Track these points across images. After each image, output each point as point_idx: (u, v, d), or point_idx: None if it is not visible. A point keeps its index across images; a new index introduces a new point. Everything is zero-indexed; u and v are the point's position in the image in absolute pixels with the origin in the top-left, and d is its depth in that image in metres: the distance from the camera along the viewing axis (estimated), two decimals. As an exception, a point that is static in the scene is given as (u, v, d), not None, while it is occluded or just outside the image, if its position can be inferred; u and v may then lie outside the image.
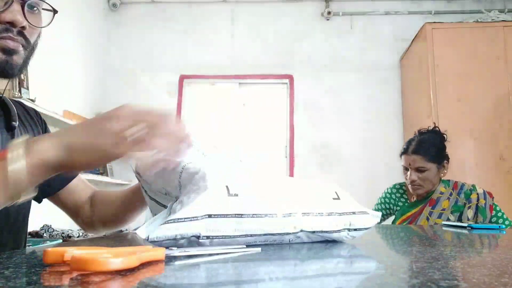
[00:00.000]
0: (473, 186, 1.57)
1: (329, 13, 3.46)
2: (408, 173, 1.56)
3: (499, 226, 0.95)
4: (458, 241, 0.63)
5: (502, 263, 0.40)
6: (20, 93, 2.08)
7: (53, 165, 0.46)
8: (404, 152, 1.62)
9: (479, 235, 0.74)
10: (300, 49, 3.47)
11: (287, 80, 3.46)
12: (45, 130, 0.85)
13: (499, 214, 1.52)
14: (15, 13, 0.60)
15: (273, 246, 0.52)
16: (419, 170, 1.53)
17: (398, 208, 1.65)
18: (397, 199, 1.67)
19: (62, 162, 0.46)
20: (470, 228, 0.93)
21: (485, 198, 1.52)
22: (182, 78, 3.50)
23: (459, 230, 0.87)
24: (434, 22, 2.95)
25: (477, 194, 1.54)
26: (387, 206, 1.69)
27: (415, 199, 1.62)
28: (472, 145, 2.69)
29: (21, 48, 0.63)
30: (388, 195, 1.70)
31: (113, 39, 3.57)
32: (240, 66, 3.47)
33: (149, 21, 3.59)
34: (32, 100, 2.13)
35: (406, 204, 1.63)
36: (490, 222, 1.51)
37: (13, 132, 0.72)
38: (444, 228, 0.93)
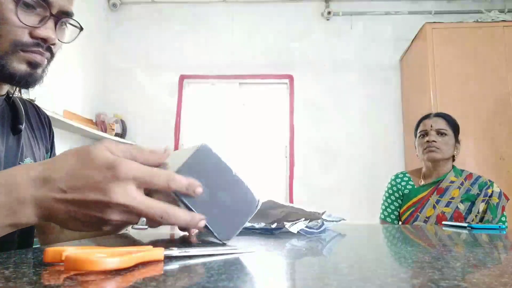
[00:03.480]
0: (491, 182, 1.56)
1: (329, 13, 3.46)
2: (427, 137, 1.58)
3: (499, 226, 0.95)
4: (458, 241, 0.63)
5: (502, 263, 0.40)
6: (20, 93, 2.08)
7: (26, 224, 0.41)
8: (425, 117, 1.65)
9: (479, 235, 0.74)
10: (300, 49, 3.48)
11: (287, 80, 3.46)
12: (51, 139, 0.85)
13: (502, 218, 1.52)
14: (49, 31, 0.61)
15: (273, 247, 0.52)
16: (440, 133, 1.57)
17: (406, 192, 1.64)
18: (403, 187, 1.65)
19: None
20: (470, 228, 0.93)
21: (499, 198, 1.51)
22: (182, 78, 3.50)
23: (459, 230, 0.86)
24: (434, 22, 2.95)
25: (493, 191, 1.53)
26: (399, 194, 1.65)
27: (422, 183, 1.62)
28: (472, 145, 2.69)
29: (46, 62, 0.65)
30: (394, 184, 1.68)
31: (113, 39, 3.57)
32: (240, 66, 3.47)
33: (149, 21, 3.59)
34: (32, 100, 2.13)
35: (413, 188, 1.63)
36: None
37: (19, 135, 0.72)
38: (444, 228, 0.93)
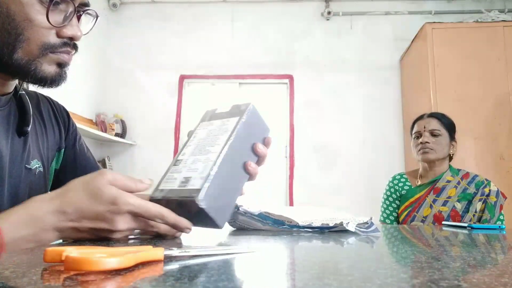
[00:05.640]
0: (488, 181, 1.55)
1: (329, 13, 3.46)
2: (421, 139, 1.59)
3: (499, 226, 0.95)
4: (458, 241, 0.63)
5: (502, 263, 0.40)
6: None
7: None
8: (419, 118, 1.66)
9: (479, 235, 0.74)
10: (300, 49, 3.47)
11: (287, 80, 3.46)
12: (68, 131, 0.81)
13: (500, 216, 1.52)
14: (75, 28, 0.61)
15: (273, 247, 0.52)
16: (433, 134, 1.58)
17: (404, 193, 1.64)
18: (400, 188, 1.66)
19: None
20: (470, 228, 0.93)
21: (497, 196, 1.50)
22: (182, 78, 3.50)
23: (459, 230, 0.86)
24: (434, 22, 2.95)
25: (490, 190, 1.51)
26: (396, 196, 1.67)
27: (419, 183, 1.63)
28: (472, 145, 2.69)
29: (71, 59, 0.64)
30: (391, 185, 1.69)
31: (113, 39, 3.57)
32: (240, 66, 3.47)
33: (149, 21, 3.59)
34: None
35: (411, 188, 1.64)
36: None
37: (25, 137, 0.68)
38: (444, 228, 0.93)
